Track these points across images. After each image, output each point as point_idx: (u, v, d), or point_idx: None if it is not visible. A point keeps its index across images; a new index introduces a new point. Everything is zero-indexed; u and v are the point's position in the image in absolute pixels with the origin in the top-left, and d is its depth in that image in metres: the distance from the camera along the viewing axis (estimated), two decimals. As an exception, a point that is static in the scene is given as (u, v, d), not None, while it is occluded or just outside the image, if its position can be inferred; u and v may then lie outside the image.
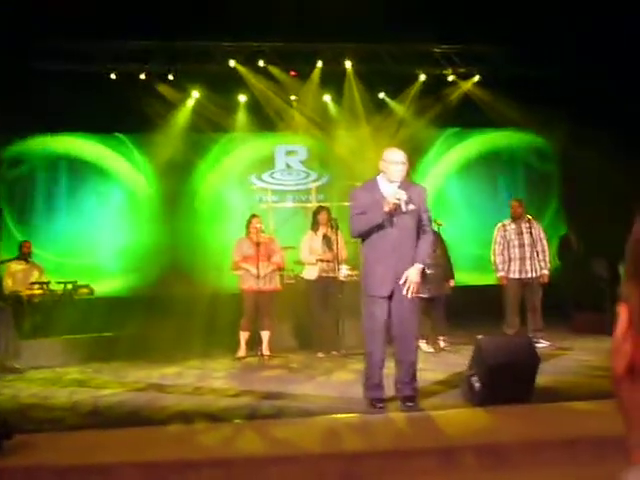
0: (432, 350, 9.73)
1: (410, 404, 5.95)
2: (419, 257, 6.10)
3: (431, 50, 14.32)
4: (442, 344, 9.86)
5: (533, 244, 9.95)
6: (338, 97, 14.77)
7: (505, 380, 5.78)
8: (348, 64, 14.20)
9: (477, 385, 5.91)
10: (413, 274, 5.99)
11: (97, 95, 12.78)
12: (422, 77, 14.64)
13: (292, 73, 14.35)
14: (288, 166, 15.40)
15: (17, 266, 11.07)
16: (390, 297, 6.00)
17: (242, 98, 14.58)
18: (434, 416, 5.68)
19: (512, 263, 9.98)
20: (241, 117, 14.69)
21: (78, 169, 14.60)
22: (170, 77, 14.00)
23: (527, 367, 5.99)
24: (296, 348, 10.59)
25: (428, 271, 9.55)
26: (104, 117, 13.23)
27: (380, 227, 5.96)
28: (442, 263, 9.90)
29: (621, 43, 11.26)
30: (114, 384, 7.95)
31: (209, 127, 14.46)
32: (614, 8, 10.63)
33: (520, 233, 10.01)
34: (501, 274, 10.02)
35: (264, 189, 15.04)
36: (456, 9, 11.42)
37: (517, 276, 9.95)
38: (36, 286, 10.81)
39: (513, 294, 9.96)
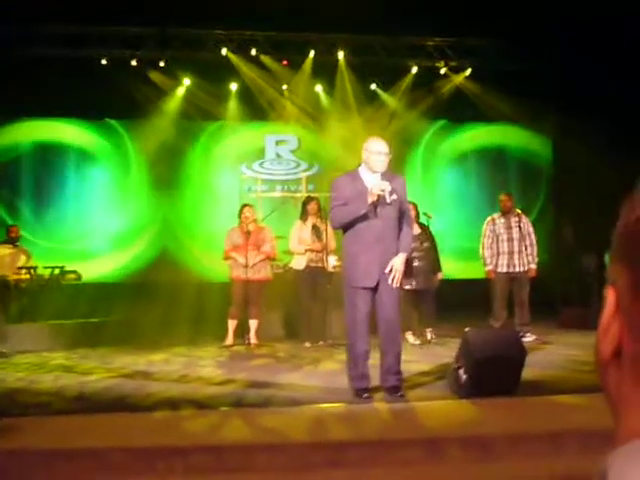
0: (419, 342, 9.75)
1: (397, 394, 5.97)
2: (403, 247, 6.12)
3: (424, 42, 14.33)
4: (429, 336, 9.88)
5: (522, 238, 9.97)
6: (330, 87, 14.75)
7: (491, 372, 5.81)
8: (340, 55, 14.19)
9: (463, 377, 5.94)
10: (398, 263, 6.00)
11: (87, 81, 12.74)
12: (414, 69, 14.64)
13: (284, 62, 14.32)
14: (278, 155, 15.37)
15: (4, 250, 11.01)
16: (374, 288, 6.01)
17: (233, 86, 14.54)
18: (420, 407, 5.71)
19: (500, 257, 9.99)
20: (232, 105, 14.66)
21: (68, 154, 14.55)
22: (161, 64, 13.95)
23: (513, 360, 6.01)
24: (283, 337, 10.60)
25: (415, 263, 9.59)
26: (94, 103, 13.20)
27: (364, 218, 5.94)
28: (430, 256, 9.92)
29: (613, 37, 11.28)
30: (100, 370, 7.94)
31: (200, 115, 14.44)
32: (606, 2, 10.66)
33: (509, 227, 10.02)
34: (489, 268, 10.04)
35: (254, 178, 15.03)
36: (449, 2, 11.43)
37: (505, 270, 9.96)
38: (23, 271, 10.77)
39: (501, 288, 9.98)
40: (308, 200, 10.35)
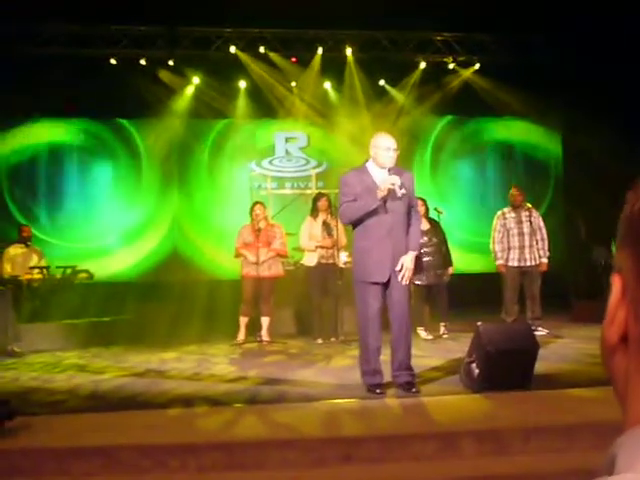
0: (431, 337, 9.75)
1: (411, 390, 5.98)
2: (412, 245, 6.13)
3: (432, 38, 14.28)
4: (442, 330, 9.88)
5: (532, 232, 9.94)
6: (338, 84, 14.73)
7: (504, 367, 5.80)
8: (349, 51, 14.16)
9: (476, 371, 5.93)
10: (408, 261, 6.02)
11: (97, 80, 12.77)
12: (422, 65, 14.60)
13: (293, 60, 14.32)
14: (288, 153, 15.37)
15: (16, 250, 11.04)
16: (385, 284, 6.01)
17: (242, 84, 14.53)
18: (433, 402, 5.71)
19: (511, 251, 9.97)
20: (241, 103, 14.65)
21: (79, 154, 14.58)
22: (170, 63, 13.95)
23: (526, 354, 6.01)
24: (295, 334, 10.61)
25: (425, 258, 9.59)
26: (104, 102, 13.22)
27: (374, 213, 5.95)
28: (441, 251, 9.91)
29: (621, 30, 11.24)
30: (113, 368, 7.96)
31: (209, 113, 14.45)
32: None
33: (520, 221, 10.00)
34: (500, 262, 10.02)
35: (264, 176, 15.02)
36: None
37: (516, 264, 9.94)
38: (35, 270, 10.80)
39: (512, 282, 9.96)
40: (318, 197, 10.35)
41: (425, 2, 11.35)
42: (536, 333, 7.86)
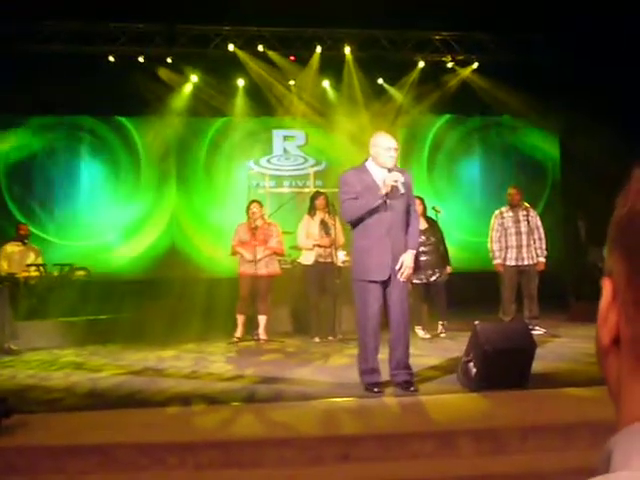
0: (429, 336, 9.75)
1: (410, 389, 5.98)
2: (411, 244, 6.14)
3: (430, 37, 14.29)
4: (440, 329, 9.88)
5: (530, 232, 9.95)
6: (337, 83, 14.73)
7: (501, 366, 5.80)
8: (347, 50, 14.16)
9: (473, 370, 5.94)
10: (408, 259, 6.02)
11: (95, 78, 12.75)
12: (421, 64, 14.61)
13: (291, 58, 14.32)
14: (286, 151, 15.37)
15: (13, 248, 11.04)
16: (385, 282, 6.02)
17: (241, 82, 14.53)
18: (430, 401, 5.71)
19: (509, 250, 9.97)
20: (239, 101, 14.65)
21: (77, 152, 14.60)
22: (169, 60, 13.96)
23: (523, 353, 6.01)
24: (292, 333, 10.61)
25: (423, 257, 9.59)
26: (103, 100, 13.20)
27: (374, 211, 5.96)
28: (438, 250, 9.92)
29: (621, 32, 11.24)
30: (111, 366, 7.96)
31: (207, 111, 14.45)
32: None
33: (517, 221, 10.00)
34: (498, 261, 10.02)
35: (262, 174, 15.03)
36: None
37: (514, 263, 9.95)
38: (32, 268, 10.79)
39: (509, 281, 9.97)
40: (316, 195, 10.35)
41: (424, 1, 11.34)
42: (533, 332, 7.87)
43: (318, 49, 14.11)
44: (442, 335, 9.81)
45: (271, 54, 14.05)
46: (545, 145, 15.82)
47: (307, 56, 14.23)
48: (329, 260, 9.89)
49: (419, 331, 9.78)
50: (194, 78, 14.27)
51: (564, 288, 12.06)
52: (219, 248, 12.79)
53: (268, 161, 15.26)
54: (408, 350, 6.16)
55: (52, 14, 12.38)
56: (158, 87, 13.77)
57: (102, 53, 13.51)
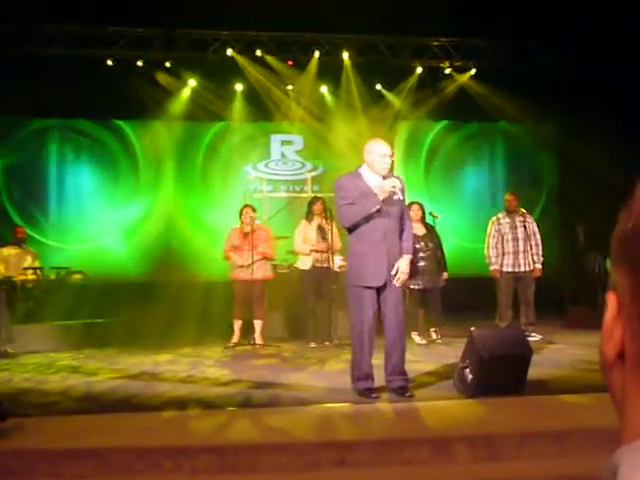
0: (425, 342, 9.75)
1: (406, 394, 5.99)
2: (406, 249, 6.17)
3: (428, 43, 14.32)
4: (434, 336, 9.88)
5: (527, 238, 9.97)
6: (335, 88, 14.74)
7: (497, 372, 5.81)
8: (345, 55, 14.18)
9: (469, 377, 5.94)
10: (404, 265, 6.04)
11: (94, 81, 12.76)
12: (419, 69, 14.63)
13: (289, 63, 14.33)
14: (283, 156, 15.39)
15: (10, 251, 11.03)
16: (381, 288, 6.02)
17: (239, 87, 14.54)
18: (426, 407, 5.71)
19: (505, 257, 9.99)
20: (237, 106, 14.65)
21: (75, 155, 14.60)
22: (167, 65, 13.97)
23: (520, 359, 6.02)
24: (289, 338, 10.60)
25: (421, 263, 9.61)
26: (101, 103, 13.20)
27: (371, 217, 5.97)
28: (436, 255, 9.93)
29: (619, 37, 11.26)
30: (107, 370, 7.96)
31: (205, 115, 14.44)
32: (612, 3, 10.64)
33: (514, 227, 10.02)
34: (495, 267, 10.04)
35: (259, 179, 15.03)
36: (454, 2, 11.41)
37: (510, 269, 9.96)
38: (29, 271, 10.79)
39: (506, 287, 9.99)
40: (314, 200, 10.35)
41: (422, 7, 11.36)
42: (530, 339, 7.89)
43: (316, 54, 14.13)
44: (438, 341, 9.82)
45: (269, 59, 14.06)
46: (542, 151, 15.84)
47: (305, 61, 14.25)
48: (326, 265, 9.89)
49: (415, 337, 9.78)
50: (192, 82, 14.27)
51: (561, 294, 12.07)
52: (216, 252, 12.79)
53: (266, 165, 15.27)
54: (404, 356, 6.17)
55: (51, 17, 12.39)
56: (156, 91, 13.77)
57: (101, 57, 13.51)
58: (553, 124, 14.84)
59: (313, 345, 9.80)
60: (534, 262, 9.98)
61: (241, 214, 10.14)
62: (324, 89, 14.90)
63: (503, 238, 10.01)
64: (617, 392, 0.73)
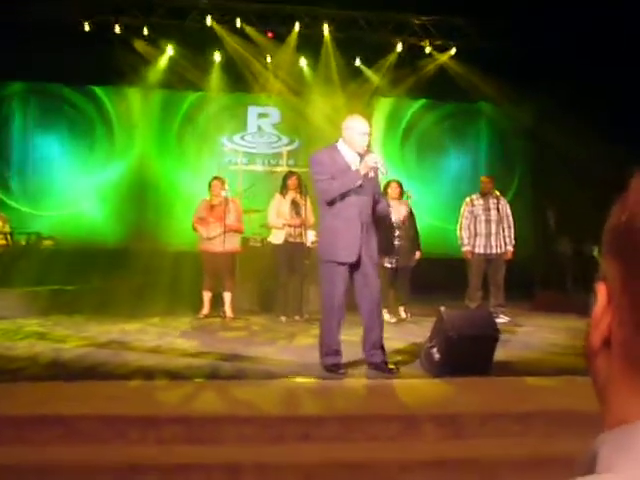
0: (394, 320, 9.79)
1: (388, 369, 6.03)
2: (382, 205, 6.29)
3: (409, 20, 14.27)
4: (403, 314, 9.93)
5: (500, 220, 10.02)
6: (314, 62, 14.68)
7: (465, 352, 5.84)
8: (326, 29, 14.11)
9: (437, 356, 5.98)
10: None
11: (70, 46, 12.59)
12: (399, 47, 14.59)
13: (269, 35, 14.24)
14: (260, 129, 15.33)
15: (-21, 216, 10.94)
16: (354, 265, 6.03)
17: (217, 57, 14.44)
18: (393, 385, 5.75)
19: (478, 238, 10.03)
20: (215, 76, 14.56)
21: (49, 120, 14.45)
22: (145, 32, 13.82)
23: (487, 340, 6.06)
24: (259, 311, 10.58)
25: (397, 242, 9.64)
26: (76, 68, 13.02)
27: (347, 193, 5.96)
28: (411, 235, 9.95)
29: (596, 21, 11.27)
30: (75, 338, 7.92)
31: (182, 85, 14.35)
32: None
33: (487, 209, 10.06)
34: (467, 248, 10.09)
35: (235, 151, 14.97)
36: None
37: (482, 251, 10.01)
38: (-1, 236, 10.71)
39: (477, 269, 10.04)
40: (289, 175, 10.32)
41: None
42: (498, 320, 7.95)
43: (296, 27, 14.03)
44: (408, 319, 9.87)
45: (249, 30, 13.96)
46: (519, 133, 15.87)
47: (285, 33, 14.16)
48: (299, 240, 9.89)
49: (385, 315, 9.80)
50: (170, 51, 14.14)
51: (531, 277, 12.16)
52: (189, 222, 12.76)
53: (242, 138, 15.21)
54: (382, 332, 6.19)
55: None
56: (133, 58, 13.65)
57: (77, 22, 13.32)
58: (531, 107, 14.87)
59: (283, 319, 9.81)
60: (506, 244, 10.03)
61: (210, 186, 10.10)
62: (303, 62, 14.83)
63: (476, 220, 10.05)
64: (600, 379, 0.75)
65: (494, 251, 10.00)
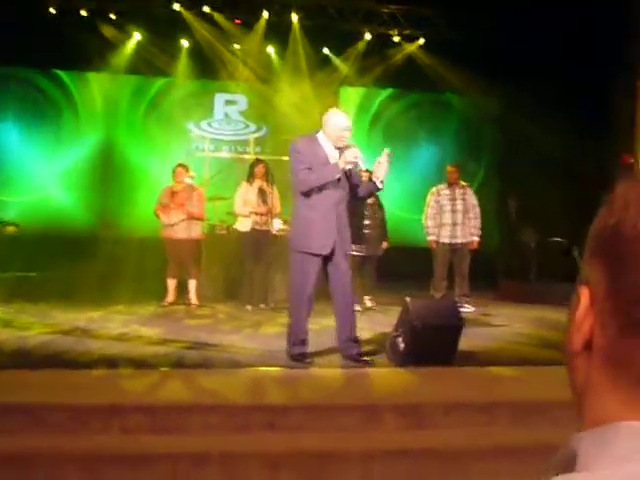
0: (359, 309, 9.81)
1: (364, 360, 6.06)
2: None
3: (378, 9, 14.27)
4: (368, 304, 9.96)
5: (466, 210, 10.08)
6: (282, 50, 14.64)
7: (429, 342, 5.88)
8: (294, 17, 14.07)
9: (401, 346, 6.01)
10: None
11: (35, 29, 12.44)
12: (367, 36, 14.60)
13: (237, 22, 14.16)
14: (227, 116, 15.29)
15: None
16: (327, 257, 6.04)
17: (185, 43, 14.35)
18: (357, 374, 5.78)
19: (443, 228, 10.08)
20: (182, 62, 14.47)
21: (12, 103, 14.28)
22: (112, 16, 13.67)
23: (452, 330, 6.10)
24: (224, 299, 10.53)
25: (366, 231, 9.66)
26: (41, 52, 12.87)
27: (325, 185, 5.95)
28: (379, 224, 9.97)
29: (564, 13, 11.34)
30: (38, 325, 7.85)
31: (149, 70, 14.24)
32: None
33: (453, 199, 10.11)
34: (432, 238, 10.13)
35: (202, 137, 14.91)
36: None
37: (447, 241, 10.07)
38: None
39: (442, 258, 10.09)
40: (256, 162, 10.30)
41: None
42: (463, 310, 8.01)
43: (265, 14, 13.97)
44: (374, 309, 9.90)
45: (217, 16, 13.88)
46: (485, 124, 15.94)
47: (253, 21, 14.10)
48: (265, 228, 9.87)
49: (352, 303, 9.84)
50: (137, 36, 14.03)
51: (495, 267, 12.26)
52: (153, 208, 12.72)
53: (209, 124, 15.16)
54: (355, 323, 6.21)
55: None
56: (100, 43, 13.51)
57: (43, 4, 13.16)
58: (498, 98, 14.94)
59: (249, 307, 9.79)
60: (471, 234, 10.10)
61: (174, 172, 10.04)
62: (271, 50, 14.79)
63: (442, 209, 10.10)
64: (578, 379, 0.76)
65: (459, 241, 10.05)
